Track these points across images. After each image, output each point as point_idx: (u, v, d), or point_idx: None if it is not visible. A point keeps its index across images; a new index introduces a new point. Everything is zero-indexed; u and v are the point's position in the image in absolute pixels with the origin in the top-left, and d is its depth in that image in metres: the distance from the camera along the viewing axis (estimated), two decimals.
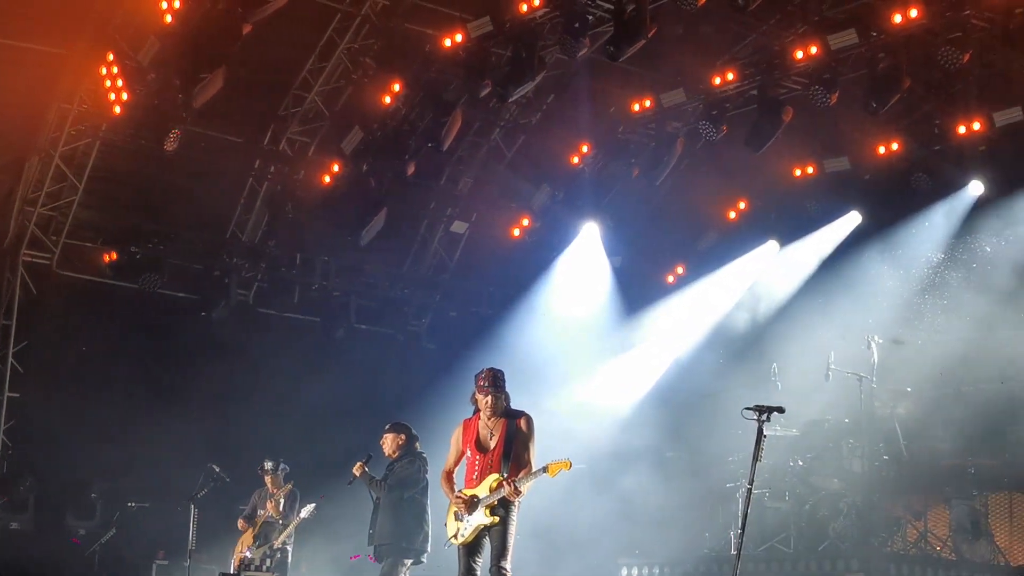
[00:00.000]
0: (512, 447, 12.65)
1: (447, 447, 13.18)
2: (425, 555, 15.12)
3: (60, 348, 21.26)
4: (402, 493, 15.07)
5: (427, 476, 15.19)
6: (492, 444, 12.70)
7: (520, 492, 12.51)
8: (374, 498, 15.30)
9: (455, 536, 12.75)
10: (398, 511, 15.03)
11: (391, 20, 20.61)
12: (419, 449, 15.42)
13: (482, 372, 12.84)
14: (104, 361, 21.25)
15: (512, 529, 12.58)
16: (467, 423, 12.98)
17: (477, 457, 12.74)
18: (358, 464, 15.23)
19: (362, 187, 22.06)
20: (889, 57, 18.18)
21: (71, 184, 20.98)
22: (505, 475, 12.55)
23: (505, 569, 12.45)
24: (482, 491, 12.61)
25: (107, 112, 19.70)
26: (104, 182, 21.40)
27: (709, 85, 20.08)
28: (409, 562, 15.03)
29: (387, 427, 15.52)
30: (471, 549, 12.69)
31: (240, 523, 18.23)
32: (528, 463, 12.64)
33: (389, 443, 15.38)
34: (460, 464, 13.05)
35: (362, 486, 15.37)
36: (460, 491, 12.78)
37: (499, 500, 12.51)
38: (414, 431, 15.51)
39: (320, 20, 20.83)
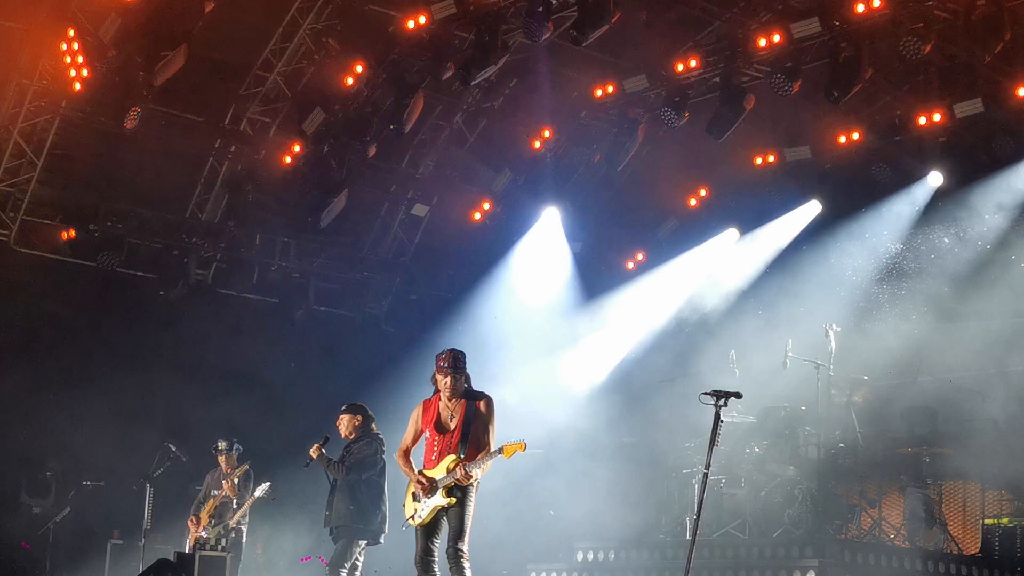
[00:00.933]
0: (471, 429, 12.65)
1: (403, 429, 13.15)
2: (383, 536, 15.09)
3: (17, 326, 21.11)
4: (360, 475, 15.02)
5: (384, 457, 15.17)
6: (452, 425, 12.70)
7: (471, 476, 12.50)
8: (330, 480, 15.27)
9: (412, 517, 12.76)
10: (356, 493, 14.99)
11: (354, 1, 20.52)
12: (375, 430, 15.39)
13: (443, 353, 12.82)
14: (61, 339, 21.14)
15: (470, 510, 12.58)
16: (427, 403, 12.96)
17: (436, 438, 12.73)
18: (315, 446, 15.15)
19: (323, 169, 21.98)
20: (851, 47, 18.26)
21: (29, 160, 20.82)
22: (463, 456, 12.56)
23: (462, 550, 12.44)
24: (440, 472, 12.60)
25: (67, 88, 19.53)
26: (63, 159, 21.23)
27: (672, 72, 20.09)
28: (364, 543, 15.00)
29: (343, 408, 15.48)
30: (429, 530, 12.69)
31: (190, 521, 18.12)
32: (487, 444, 12.64)
33: (345, 424, 15.34)
34: (418, 443, 13.04)
35: (318, 468, 15.32)
36: (420, 471, 12.77)
37: (455, 482, 12.53)
38: (370, 412, 15.47)
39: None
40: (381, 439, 15.29)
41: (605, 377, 23.51)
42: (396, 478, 14.08)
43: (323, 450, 15.14)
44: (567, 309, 23.96)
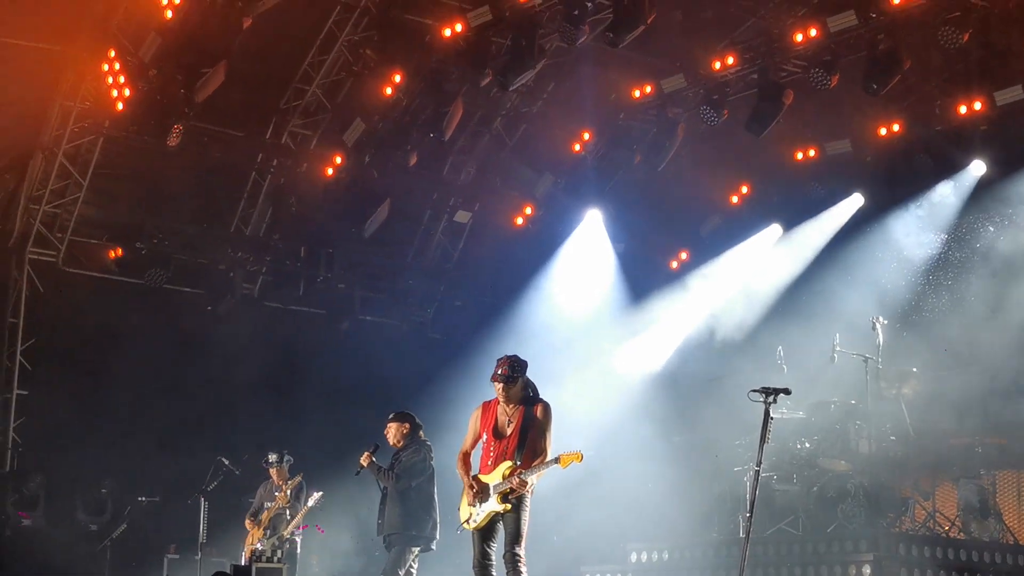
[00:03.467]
0: (528, 435, 12.56)
1: (452, 436, 13.17)
2: (435, 542, 15.13)
3: (68, 345, 21.31)
4: (409, 482, 15.07)
5: (433, 464, 15.23)
6: (509, 431, 12.62)
7: (526, 484, 12.45)
8: (381, 488, 15.34)
9: (468, 521, 12.72)
10: (405, 500, 15.05)
11: (390, 11, 20.59)
12: (423, 437, 15.44)
13: (502, 358, 12.75)
14: (111, 357, 21.26)
15: (525, 516, 12.51)
16: (486, 405, 12.89)
17: (493, 443, 12.66)
18: (365, 454, 15.20)
19: (365, 179, 22.14)
20: (888, 38, 18.22)
21: (75, 181, 21.05)
22: (518, 463, 12.51)
23: (519, 555, 12.40)
24: (495, 478, 12.56)
25: (110, 109, 19.75)
26: (108, 179, 21.47)
27: (709, 70, 20.10)
28: (417, 549, 15.05)
29: (391, 416, 15.52)
30: (485, 534, 12.64)
31: (247, 522, 18.28)
32: (543, 451, 12.54)
33: (393, 432, 15.39)
34: (476, 446, 13.00)
35: (369, 476, 15.38)
36: (475, 476, 12.74)
37: (511, 489, 12.51)
38: (418, 420, 15.51)
39: (319, 12, 20.86)
40: (429, 446, 15.34)
41: (653, 377, 23.48)
42: (448, 484, 14.10)
43: (373, 458, 15.21)
44: (613, 310, 23.96)
